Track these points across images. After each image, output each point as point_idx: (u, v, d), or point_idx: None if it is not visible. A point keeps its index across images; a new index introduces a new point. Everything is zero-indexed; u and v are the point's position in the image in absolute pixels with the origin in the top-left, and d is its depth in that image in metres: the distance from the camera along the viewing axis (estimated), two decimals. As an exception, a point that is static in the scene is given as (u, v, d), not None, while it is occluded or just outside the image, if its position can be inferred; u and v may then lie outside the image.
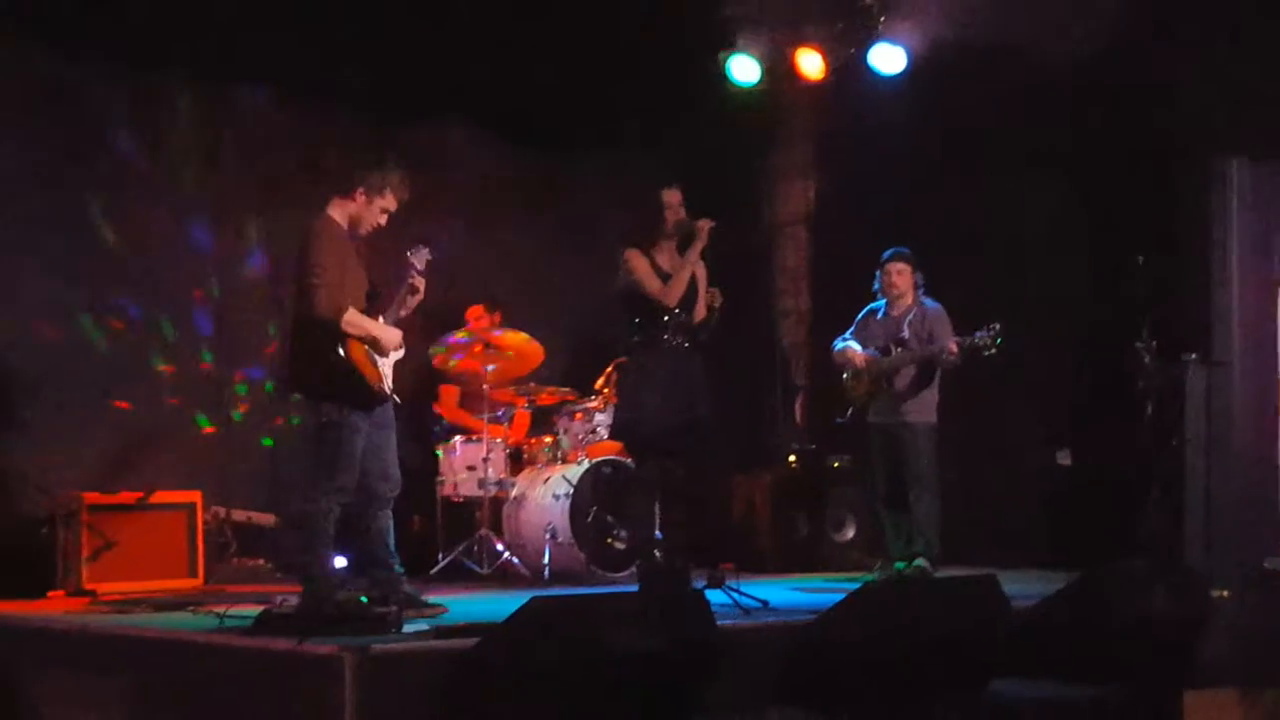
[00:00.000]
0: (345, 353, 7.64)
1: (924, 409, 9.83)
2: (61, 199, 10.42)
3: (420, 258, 7.97)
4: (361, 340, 7.72)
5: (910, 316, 9.91)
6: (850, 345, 10.01)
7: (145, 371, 10.80)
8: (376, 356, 7.79)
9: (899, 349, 9.84)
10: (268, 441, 11.14)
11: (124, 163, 10.74)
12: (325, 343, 7.63)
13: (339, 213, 7.85)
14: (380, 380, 7.79)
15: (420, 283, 7.96)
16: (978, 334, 9.47)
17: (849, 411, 10.01)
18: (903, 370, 9.85)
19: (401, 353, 8.00)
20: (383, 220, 7.91)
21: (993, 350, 9.42)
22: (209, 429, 10.97)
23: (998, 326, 9.40)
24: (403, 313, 8.01)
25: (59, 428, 10.22)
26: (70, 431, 10.26)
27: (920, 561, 9.57)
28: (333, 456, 7.65)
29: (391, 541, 7.93)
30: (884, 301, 10.06)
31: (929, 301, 9.96)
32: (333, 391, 7.69)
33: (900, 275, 9.96)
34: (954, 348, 9.57)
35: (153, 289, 10.84)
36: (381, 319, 7.87)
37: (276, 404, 11.05)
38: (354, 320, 7.67)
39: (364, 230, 7.89)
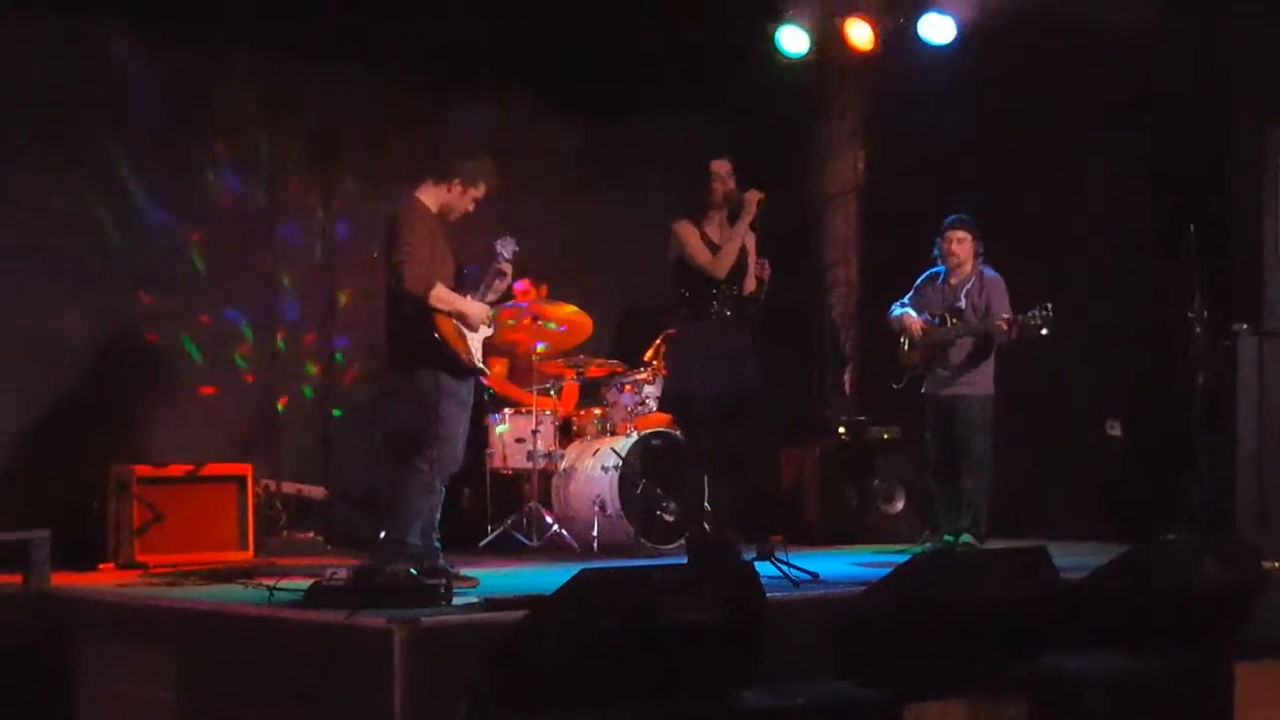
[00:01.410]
0: (435, 326, 7.87)
1: (980, 381, 9.76)
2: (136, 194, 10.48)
3: (508, 247, 8.24)
4: (450, 315, 7.94)
5: (968, 286, 9.83)
6: (908, 312, 9.96)
7: (223, 356, 10.82)
8: (466, 331, 8.02)
9: (955, 320, 9.78)
10: (338, 413, 11.18)
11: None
12: (416, 318, 7.89)
13: (429, 197, 8.09)
14: (470, 353, 8.03)
15: (508, 269, 8.22)
16: (1030, 313, 9.43)
17: (904, 379, 9.98)
18: (959, 342, 9.79)
19: (491, 330, 8.27)
20: (471, 208, 8.19)
21: (1044, 330, 9.38)
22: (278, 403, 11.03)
23: (1050, 306, 9.35)
24: (490, 297, 8.25)
25: (122, 406, 10.27)
26: (137, 409, 10.31)
27: (967, 537, 9.53)
28: (432, 428, 7.84)
29: (437, 517, 8.04)
30: (944, 267, 10.00)
31: (988, 271, 9.88)
32: (428, 364, 7.91)
33: (961, 243, 9.88)
34: (1004, 324, 9.53)
35: (226, 273, 10.81)
36: (469, 297, 8.08)
37: (343, 375, 11.17)
38: (442, 295, 7.92)
39: (453, 217, 8.17)
